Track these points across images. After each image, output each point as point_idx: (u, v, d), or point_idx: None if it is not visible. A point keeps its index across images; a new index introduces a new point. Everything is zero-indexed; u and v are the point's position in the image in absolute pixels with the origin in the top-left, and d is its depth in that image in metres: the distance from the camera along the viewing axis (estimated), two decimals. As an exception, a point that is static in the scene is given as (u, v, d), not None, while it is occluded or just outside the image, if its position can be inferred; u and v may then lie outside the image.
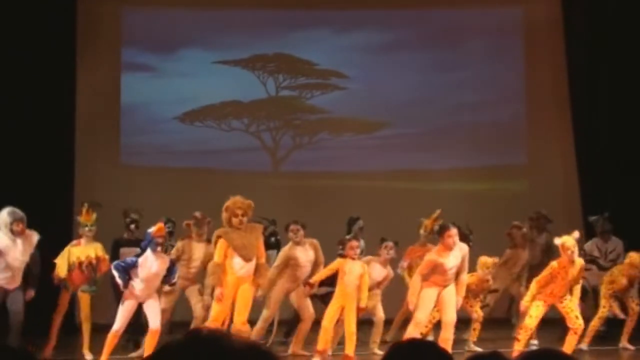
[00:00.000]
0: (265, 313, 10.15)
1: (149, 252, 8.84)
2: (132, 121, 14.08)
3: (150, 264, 8.82)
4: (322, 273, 9.71)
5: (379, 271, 10.27)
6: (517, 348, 9.19)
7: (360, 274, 9.45)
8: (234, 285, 8.91)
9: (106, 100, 13.79)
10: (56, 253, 10.07)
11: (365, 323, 10.24)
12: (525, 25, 14.32)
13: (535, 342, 10.35)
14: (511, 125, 14.29)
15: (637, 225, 12.39)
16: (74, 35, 13.15)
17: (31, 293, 9.40)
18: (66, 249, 9.83)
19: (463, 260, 9.09)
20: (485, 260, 10.31)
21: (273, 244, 11.12)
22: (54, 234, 10.79)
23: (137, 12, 14.31)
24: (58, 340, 10.03)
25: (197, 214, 10.28)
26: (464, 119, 14.13)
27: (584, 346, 10.28)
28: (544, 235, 11.36)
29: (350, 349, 9.35)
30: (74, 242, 9.93)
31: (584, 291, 10.62)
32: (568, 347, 9.22)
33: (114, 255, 10.17)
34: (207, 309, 9.87)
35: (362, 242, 11.06)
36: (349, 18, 14.39)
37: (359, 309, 9.49)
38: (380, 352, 9.99)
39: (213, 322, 8.82)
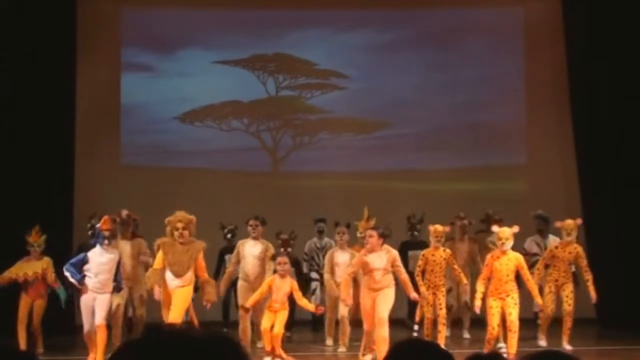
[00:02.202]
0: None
1: (97, 246, 9.18)
2: (132, 121, 14.07)
3: (99, 257, 9.13)
4: (254, 296, 9.86)
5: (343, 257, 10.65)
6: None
7: (287, 291, 9.76)
8: (167, 294, 9.21)
9: (106, 100, 13.79)
10: (56, 253, 10.12)
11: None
12: (525, 25, 14.31)
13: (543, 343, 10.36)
14: (511, 125, 14.28)
15: (638, 225, 12.41)
16: (74, 35, 13.15)
17: None
18: (17, 263, 10.20)
19: (391, 261, 9.35)
20: (435, 227, 10.27)
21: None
22: (54, 234, 10.81)
23: (137, 12, 14.30)
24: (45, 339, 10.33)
25: (124, 213, 10.64)
26: (464, 119, 14.12)
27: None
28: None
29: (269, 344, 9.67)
30: (25, 258, 10.24)
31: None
32: (510, 347, 9.40)
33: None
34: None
35: (325, 241, 11.52)
36: (349, 18, 14.39)
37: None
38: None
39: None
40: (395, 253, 9.49)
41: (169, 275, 9.18)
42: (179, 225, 9.14)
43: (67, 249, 11.25)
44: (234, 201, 13.19)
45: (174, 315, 9.04)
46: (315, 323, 11.79)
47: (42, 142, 12.49)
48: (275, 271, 9.94)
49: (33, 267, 10.13)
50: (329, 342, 10.85)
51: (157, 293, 9.21)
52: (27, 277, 10.06)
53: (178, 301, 9.10)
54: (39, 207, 11.29)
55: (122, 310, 10.35)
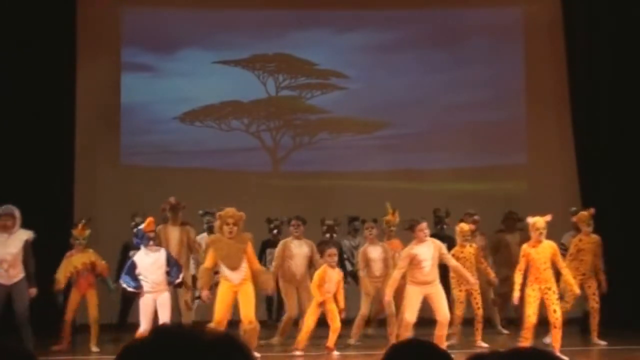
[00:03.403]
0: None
1: (142, 248, 9.27)
2: (132, 121, 14.07)
3: (145, 258, 9.23)
4: (317, 291, 9.97)
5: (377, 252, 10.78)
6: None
7: (338, 280, 9.91)
8: (228, 289, 9.31)
9: (106, 100, 13.79)
10: (55, 252, 10.13)
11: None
12: (525, 25, 14.32)
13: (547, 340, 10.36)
14: (511, 125, 14.28)
15: (638, 225, 12.41)
16: (74, 36, 13.15)
17: (32, 291, 9.58)
18: (64, 261, 10.41)
19: (438, 250, 9.62)
20: (461, 227, 10.54)
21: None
22: (54, 234, 10.81)
23: (137, 12, 14.30)
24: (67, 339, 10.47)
25: (172, 199, 10.81)
26: (464, 118, 14.11)
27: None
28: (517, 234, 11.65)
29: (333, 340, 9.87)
30: (68, 253, 10.49)
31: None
32: (555, 342, 9.39)
33: (124, 257, 10.61)
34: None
35: (359, 239, 11.41)
36: (349, 18, 14.39)
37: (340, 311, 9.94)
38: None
39: (215, 324, 9.11)
40: (440, 243, 9.76)
41: (225, 270, 9.31)
42: (230, 220, 9.30)
43: (67, 249, 11.22)
44: (234, 201, 13.14)
45: (248, 313, 9.20)
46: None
47: (42, 142, 12.49)
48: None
49: (81, 259, 10.40)
50: (352, 341, 10.73)
51: (206, 296, 9.38)
52: (77, 269, 10.31)
53: (247, 298, 9.25)
54: (39, 207, 11.28)
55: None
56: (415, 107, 14.21)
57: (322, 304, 9.83)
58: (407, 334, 9.31)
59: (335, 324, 9.81)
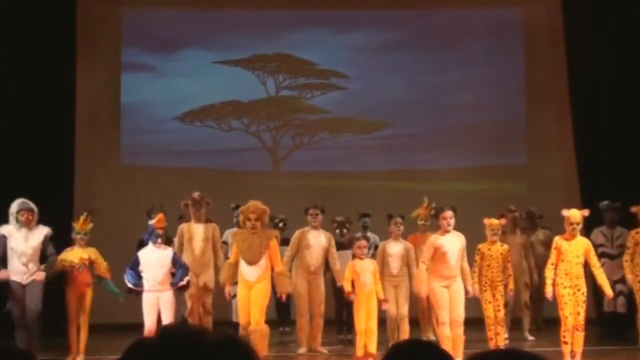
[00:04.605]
0: None
1: (150, 244, 9.15)
2: (132, 121, 14.07)
3: (151, 254, 9.11)
4: (347, 283, 9.50)
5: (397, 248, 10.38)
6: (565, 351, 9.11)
7: (373, 271, 9.49)
8: (244, 286, 9.02)
9: (106, 100, 13.79)
10: (56, 253, 10.07)
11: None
12: (525, 25, 14.32)
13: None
14: (511, 125, 14.28)
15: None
16: (74, 35, 13.15)
17: (40, 274, 9.44)
18: (62, 254, 9.92)
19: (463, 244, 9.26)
20: (491, 221, 9.94)
21: None
22: (54, 234, 10.78)
23: (137, 12, 14.30)
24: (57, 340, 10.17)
25: (196, 194, 10.43)
26: (464, 119, 14.12)
27: None
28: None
29: (372, 346, 9.32)
30: (68, 248, 10.02)
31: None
32: (576, 346, 9.12)
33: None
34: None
35: (373, 238, 11.16)
36: (349, 18, 14.39)
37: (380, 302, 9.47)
38: None
39: (241, 328, 8.97)
40: (464, 239, 9.31)
41: (243, 266, 8.98)
42: (252, 216, 9.02)
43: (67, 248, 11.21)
44: (234, 201, 13.16)
45: (256, 315, 8.87)
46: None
47: (42, 142, 12.48)
48: (353, 256, 9.66)
49: (78, 254, 9.81)
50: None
51: (228, 292, 9.10)
52: (72, 264, 9.73)
53: (258, 299, 8.92)
54: (39, 207, 11.26)
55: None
56: (415, 107, 14.21)
57: (359, 301, 9.34)
58: (446, 337, 9.00)
59: (370, 322, 9.31)
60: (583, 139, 13.28)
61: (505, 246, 10.05)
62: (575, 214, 9.17)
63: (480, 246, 9.96)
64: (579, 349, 9.12)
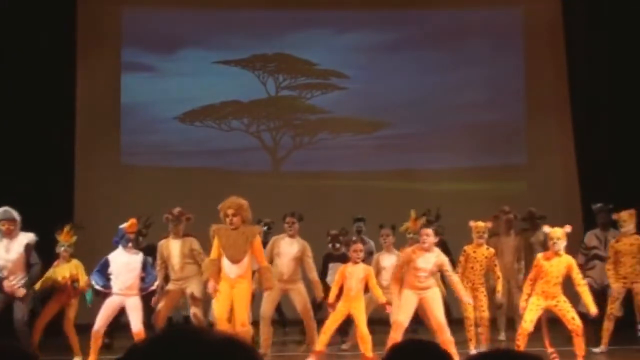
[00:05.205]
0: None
1: (119, 247, 9.11)
2: (132, 121, 14.08)
3: (120, 258, 9.06)
4: (333, 289, 9.34)
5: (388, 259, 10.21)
6: None
7: (361, 277, 9.25)
8: (226, 283, 8.78)
9: (106, 100, 13.79)
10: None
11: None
12: (525, 25, 14.32)
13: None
14: (511, 125, 14.28)
15: (638, 225, 12.39)
16: (74, 35, 13.16)
17: (20, 291, 9.21)
18: (49, 270, 9.80)
19: (439, 266, 9.07)
20: (477, 224, 9.92)
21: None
22: (54, 234, 10.78)
23: (137, 12, 14.30)
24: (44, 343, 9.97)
25: (175, 210, 10.16)
26: (464, 119, 14.12)
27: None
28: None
29: (368, 350, 9.14)
30: (55, 262, 9.89)
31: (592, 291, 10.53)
32: (578, 350, 9.02)
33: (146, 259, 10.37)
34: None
35: (370, 244, 11.06)
36: (349, 18, 14.39)
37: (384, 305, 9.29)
38: None
39: (218, 321, 8.78)
40: (444, 259, 9.10)
41: (225, 263, 8.75)
42: (229, 211, 8.80)
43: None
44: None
45: (241, 316, 8.69)
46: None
47: (42, 142, 12.49)
48: (348, 258, 9.45)
49: (62, 272, 9.68)
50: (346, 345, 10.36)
51: (212, 286, 8.78)
52: (56, 283, 9.64)
53: (241, 300, 8.73)
54: (39, 207, 11.27)
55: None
56: (415, 107, 14.21)
57: (341, 304, 9.18)
58: (398, 336, 8.82)
59: (360, 329, 9.12)
60: (583, 139, 13.28)
61: (491, 250, 10.03)
62: (555, 231, 9.05)
63: (466, 247, 9.99)
64: (581, 352, 9.02)
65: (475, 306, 9.84)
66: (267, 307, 9.95)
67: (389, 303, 9.29)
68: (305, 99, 14.47)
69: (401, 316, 9.02)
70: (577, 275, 9.02)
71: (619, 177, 12.80)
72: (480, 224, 9.95)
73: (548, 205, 11.98)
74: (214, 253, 8.88)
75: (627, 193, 12.66)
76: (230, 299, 8.77)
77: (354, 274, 9.20)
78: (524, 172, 14.21)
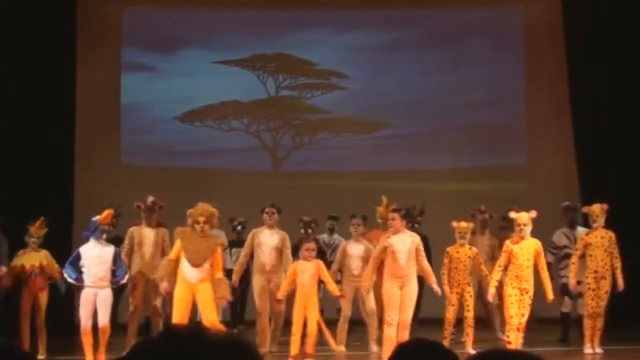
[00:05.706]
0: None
1: (91, 239, 9.08)
2: (132, 121, 14.08)
3: (92, 250, 9.05)
4: (284, 285, 9.61)
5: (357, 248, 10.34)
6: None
7: (313, 273, 9.42)
8: (185, 287, 8.82)
9: (106, 100, 13.79)
10: (56, 254, 10.08)
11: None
12: (525, 25, 14.32)
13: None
14: (511, 125, 14.29)
15: (638, 225, 12.40)
16: (74, 35, 13.16)
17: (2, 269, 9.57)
18: (14, 259, 9.93)
19: (415, 245, 9.17)
20: (459, 224, 10.00)
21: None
22: (54, 234, 10.79)
23: (137, 12, 14.30)
24: (33, 341, 9.96)
25: (149, 199, 10.31)
26: (464, 119, 14.12)
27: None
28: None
29: (310, 346, 9.36)
30: (20, 251, 9.97)
31: (565, 289, 10.53)
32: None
33: None
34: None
35: (334, 237, 11.30)
36: (349, 18, 14.39)
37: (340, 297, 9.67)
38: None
39: (175, 320, 8.77)
40: (419, 239, 9.25)
41: (185, 265, 8.79)
42: (200, 219, 8.82)
43: (66, 249, 11.22)
44: (234, 201, 13.17)
45: (210, 317, 8.66)
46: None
47: (42, 142, 12.49)
48: (298, 257, 9.69)
49: (31, 259, 9.81)
50: (341, 347, 10.22)
51: (165, 287, 8.88)
52: (24, 270, 9.75)
53: (206, 302, 8.76)
54: (39, 207, 11.27)
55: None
56: (415, 107, 14.22)
57: (297, 301, 9.35)
58: (389, 338, 8.95)
59: (310, 326, 9.28)
60: (583, 139, 13.28)
61: (474, 249, 10.10)
62: (521, 216, 9.21)
63: (448, 249, 10.06)
64: (517, 347, 9.02)
65: (456, 306, 9.94)
66: (261, 303, 10.08)
67: (343, 295, 9.69)
68: (305, 99, 14.47)
69: (393, 316, 9.08)
70: (542, 259, 9.29)
71: (619, 177, 12.81)
72: (463, 224, 10.04)
73: (548, 205, 11.96)
74: (173, 254, 8.96)
75: (627, 193, 12.69)
76: (189, 305, 8.85)
77: (305, 270, 9.39)
78: (524, 172, 14.21)
